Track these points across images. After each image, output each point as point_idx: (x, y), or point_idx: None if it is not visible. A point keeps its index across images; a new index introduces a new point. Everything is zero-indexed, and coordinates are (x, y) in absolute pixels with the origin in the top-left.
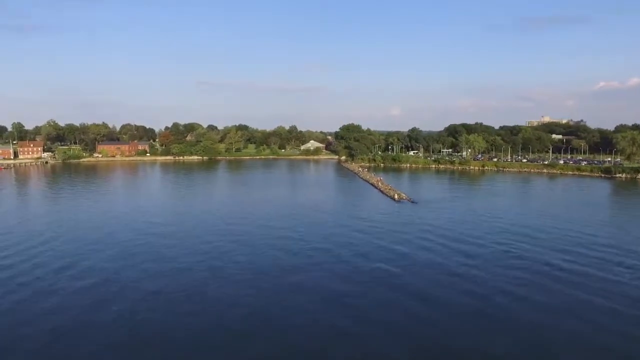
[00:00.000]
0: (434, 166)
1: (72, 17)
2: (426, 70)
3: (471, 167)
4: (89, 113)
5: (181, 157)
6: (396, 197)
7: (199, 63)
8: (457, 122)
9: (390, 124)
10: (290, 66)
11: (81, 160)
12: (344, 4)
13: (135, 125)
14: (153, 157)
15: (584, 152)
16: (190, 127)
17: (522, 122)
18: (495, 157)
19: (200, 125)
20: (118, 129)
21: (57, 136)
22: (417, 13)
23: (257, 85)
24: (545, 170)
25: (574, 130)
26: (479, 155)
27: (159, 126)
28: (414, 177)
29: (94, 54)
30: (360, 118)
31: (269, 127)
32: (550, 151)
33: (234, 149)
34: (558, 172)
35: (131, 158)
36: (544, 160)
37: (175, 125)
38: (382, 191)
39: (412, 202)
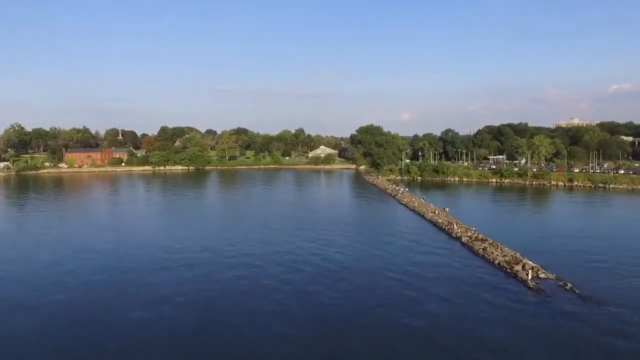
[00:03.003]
0: (494, 180)
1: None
2: (437, 73)
3: (552, 182)
4: (104, 120)
5: (162, 168)
6: (528, 276)
7: (212, 69)
8: (472, 125)
9: (401, 128)
10: (299, 72)
11: (39, 171)
12: (356, 8)
13: (122, 130)
14: (129, 168)
15: None
16: (181, 132)
17: (540, 124)
18: (572, 165)
19: (194, 130)
20: (102, 134)
21: (22, 143)
22: (429, 15)
23: (270, 90)
24: None
25: None
26: (548, 164)
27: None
28: (480, 202)
29: (104, 60)
30: (372, 123)
31: (275, 132)
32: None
33: (227, 157)
34: None
35: (102, 168)
36: None
37: (164, 129)
38: (464, 243)
39: (579, 294)
